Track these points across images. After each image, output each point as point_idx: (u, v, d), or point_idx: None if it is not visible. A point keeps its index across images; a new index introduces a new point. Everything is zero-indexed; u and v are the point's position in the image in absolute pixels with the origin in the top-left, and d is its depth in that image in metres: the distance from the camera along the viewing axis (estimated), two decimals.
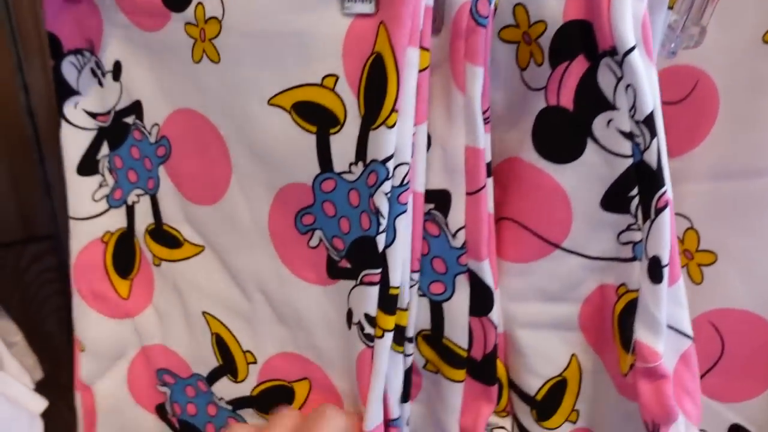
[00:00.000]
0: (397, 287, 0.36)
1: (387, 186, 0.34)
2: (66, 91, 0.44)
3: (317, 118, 0.37)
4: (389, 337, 0.37)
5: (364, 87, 0.35)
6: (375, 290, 0.36)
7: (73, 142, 0.45)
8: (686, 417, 0.37)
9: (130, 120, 0.45)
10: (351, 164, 0.36)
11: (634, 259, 0.36)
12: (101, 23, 0.43)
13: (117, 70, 0.44)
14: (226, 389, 0.45)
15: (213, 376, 0.46)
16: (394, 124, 0.34)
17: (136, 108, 0.44)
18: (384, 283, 0.36)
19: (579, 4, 0.34)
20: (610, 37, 0.33)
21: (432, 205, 0.38)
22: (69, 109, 0.45)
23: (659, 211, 0.33)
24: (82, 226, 0.47)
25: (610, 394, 0.40)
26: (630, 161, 0.35)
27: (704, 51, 0.39)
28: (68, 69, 0.44)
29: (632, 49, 0.32)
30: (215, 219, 0.43)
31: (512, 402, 0.43)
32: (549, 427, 0.42)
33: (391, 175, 0.34)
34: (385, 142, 0.34)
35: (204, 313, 0.45)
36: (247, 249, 0.42)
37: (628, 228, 0.36)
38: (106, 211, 0.47)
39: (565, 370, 0.41)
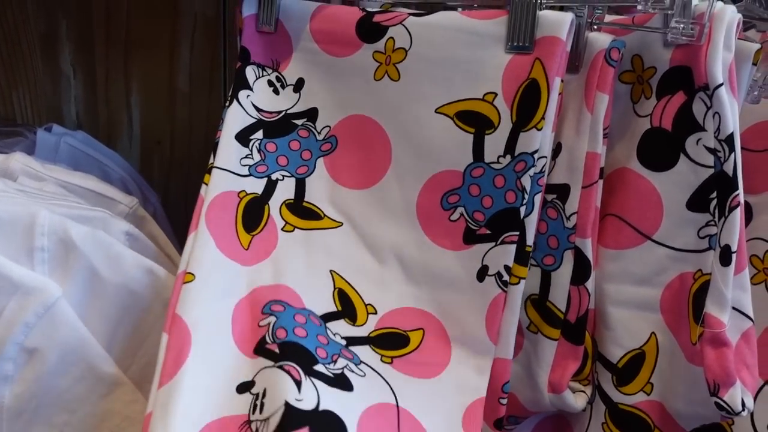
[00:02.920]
0: (531, 245, 0.48)
1: (531, 171, 0.47)
2: (243, 85, 0.55)
3: (476, 123, 0.50)
4: (523, 283, 0.48)
5: (518, 102, 0.48)
6: (513, 247, 0.47)
7: (236, 118, 0.55)
8: (743, 385, 0.45)
9: (299, 122, 0.56)
10: (499, 156, 0.49)
11: (709, 249, 0.46)
12: (291, 50, 0.57)
13: (300, 84, 0.58)
14: (341, 328, 0.50)
15: (328, 317, 0.50)
16: (542, 128, 0.46)
17: (310, 113, 0.57)
18: (521, 242, 0.48)
19: (682, 54, 0.47)
20: (705, 77, 0.45)
21: (555, 195, 0.50)
22: (242, 96, 0.55)
23: (732, 209, 0.44)
24: (224, 175, 0.52)
25: (680, 364, 0.48)
26: (711, 171, 0.46)
27: None
28: (250, 72, 0.55)
29: (720, 85, 0.44)
30: (365, 199, 0.53)
31: (595, 372, 0.53)
32: (626, 392, 0.51)
33: (535, 163, 0.47)
34: (535, 139, 0.47)
35: (331, 271, 0.52)
36: (392, 222, 0.52)
37: (707, 224, 0.47)
38: (246, 176, 0.54)
39: (644, 344, 0.50)
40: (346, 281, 0.52)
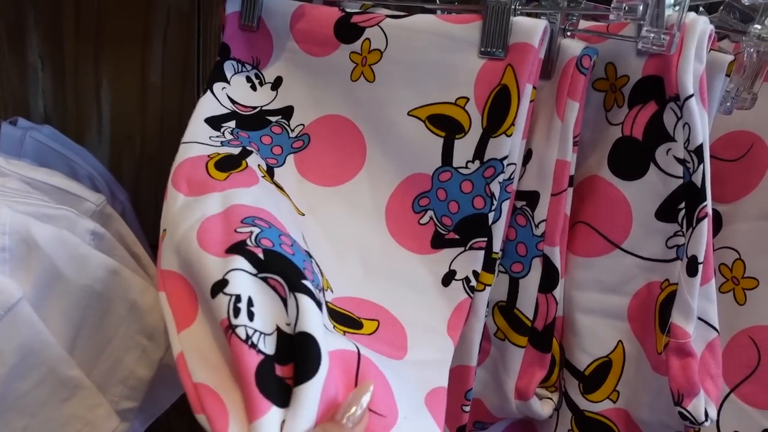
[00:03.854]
0: (498, 252, 0.48)
1: (500, 178, 0.47)
2: (219, 77, 0.55)
3: (446, 127, 0.50)
4: (488, 290, 0.48)
5: (489, 107, 0.48)
6: (482, 253, 0.48)
7: (207, 106, 0.54)
8: (707, 395, 0.46)
9: (273, 119, 0.55)
10: (468, 162, 0.49)
11: (677, 259, 0.47)
12: (272, 48, 0.57)
13: (277, 83, 0.57)
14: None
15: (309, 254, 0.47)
16: (512, 134, 0.46)
17: (285, 111, 0.57)
18: (488, 249, 0.48)
19: (654, 64, 0.47)
20: (676, 87, 0.45)
21: (524, 203, 0.50)
22: (217, 88, 0.55)
23: (700, 220, 0.44)
24: (193, 146, 0.51)
25: (646, 373, 0.49)
26: (681, 181, 0.46)
27: (760, 120, 0.50)
28: (228, 66, 0.56)
29: (691, 96, 0.44)
30: (332, 197, 0.52)
31: (562, 378, 0.53)
32: (592, 399, 0.51)
33: (504, 170, 0.46)
34: (504, 146, 0.46)
35: (303, 235, 0.48)
36: (357, 221, 0.51)
37: (675, 234, 0.47)
38: (218, 147, 0.52)
39: (611, 352, 0.50)
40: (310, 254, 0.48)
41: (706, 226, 0.44)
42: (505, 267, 0.51)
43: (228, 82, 0.56)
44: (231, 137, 0.53)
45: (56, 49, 0.83)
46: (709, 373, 0.46)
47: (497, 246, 0.48)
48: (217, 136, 0.53)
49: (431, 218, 0.50)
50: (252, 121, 0.55)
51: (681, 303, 0.45)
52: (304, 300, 0.37)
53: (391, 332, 0.46)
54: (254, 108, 0.56)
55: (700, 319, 0.46)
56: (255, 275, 0.39)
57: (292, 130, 0.55)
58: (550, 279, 0.50)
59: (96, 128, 0.86)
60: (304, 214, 0.52)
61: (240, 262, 0.39)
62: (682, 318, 0.45)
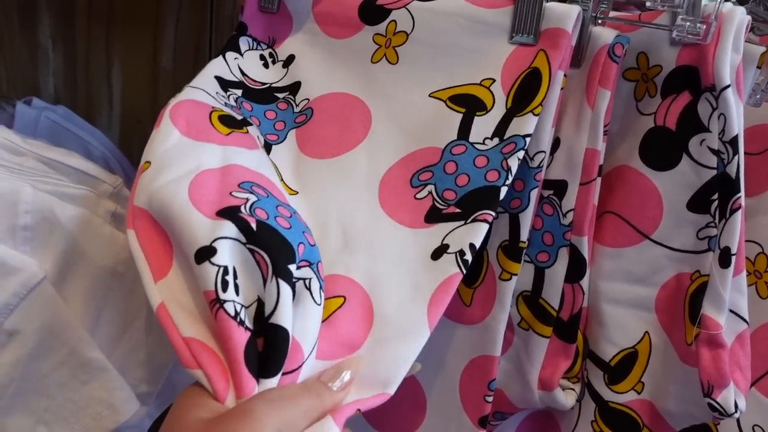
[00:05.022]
0: (525, 242, 0.47)
1: (520, 154, 0.45)
2: (233, 48, 0.55)
3: (467, 104, 0.48)
4: (515, 279, 0.47)
5: (516, 88, 0.47)
6: (486, 226, 0.43)
7: (216, 67, 0.54)
8: (737, 387, 0.45)
9: (281, 95, 0.55)
10: (486, 138, 0.47)
11: (708, 250, 0.46)
12: (290, 30, 0.56)
13: (289, 60, 0.57)
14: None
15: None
16: (539, 114, 0.46)
17: (293, 87, 0.56)
18: (515, 238, 0.48)
19: (689, 54, 0.46)
20: (712, 77, 0.44)
21: (551, 192, 0.50)
22: (230, 56, 0.55)
23: (734, 211, 0.44)
24: (197, 91, 0.50)
25: (673, 364, 0.48)
26: (714, 172, 0.46)
27: None
28: (243, 41, 0.56)
29: (727, 86, 0.44)
30: (325, 168, 0.50)
31: (585, 369, 0.53)
32: (617, 390, 0.51)
33: (525, 146, 0.45)
34: (529, 123, 0.45)
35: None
36: (347, 192, 0.48)
37: (707, 226, 0.47)
38: (223, 106, 0.51)
39: (638, 343, 0.50)
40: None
41: (739, 217, 0.44)
42: (531, 256, 0.51)
43: (241, 55, 0.56)
44: (234, 105, 0.52)
45: (68, 30, 0.81)
46: (738, 365, 0.46)
47: (524, 235, 0.48)
48: (223, 96, 0.52)
49: (430, 193, 0.47)
50: (259, 95, 0.55)
51: (713, 294, 0.45)
52: (284, 289, 0.37)
53: (351, 315, 0.43)
54: (263, 84, 0.56)
55: (730, 310, 0.46)
56: (244, 244, 0.38)
57: (297, 105, 0.55)
58: (577, 269, 0.49)
59: (106, 111, 0.85)
60: (297, 192, 0.50)
61: (230, 229, 0.38)
62: (714, 309, 0.45)
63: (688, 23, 0.45)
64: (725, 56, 0.44)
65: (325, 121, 0.52)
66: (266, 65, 0.56)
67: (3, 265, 0.44)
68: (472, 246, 0.43)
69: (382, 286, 0.43)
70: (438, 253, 0.44)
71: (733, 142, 0.44)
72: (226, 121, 0.49)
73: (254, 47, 0.57)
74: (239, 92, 0.54)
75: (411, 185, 0.48)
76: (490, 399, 0.52)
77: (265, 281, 0.37)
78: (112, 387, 0.48)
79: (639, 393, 0.51)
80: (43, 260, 0.47)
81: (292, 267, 0.38)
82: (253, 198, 0.41)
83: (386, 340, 0.41)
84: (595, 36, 0.48)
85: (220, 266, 0.37)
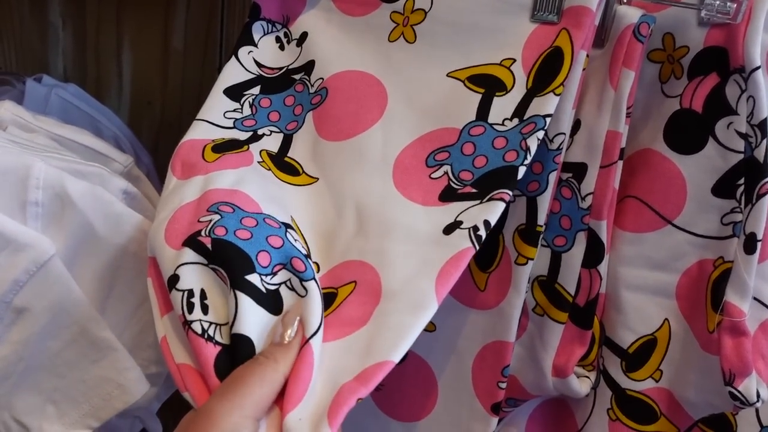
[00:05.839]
0: (542, 225, 0.46)
1: (540, 134, 0.44)
2: (246, 41, 0.54)
3: (487, 84, 0.47)
4: (531, 264, 0.47)
5: (537, 68, 0.46)
6: (502, 205, 0.43)
7: (231, 73, 0.54)
8: (759, 376, 0.44)
9: (297, 77, 0.55)
10: (505, 119, 0.46)
11: (733, 236, 0.45)
12: (304, 6, 0.55)
13: (303, 38, 0.55)
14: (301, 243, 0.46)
15: (289, 227, 0.46)
16: (560, 94, 0.44)
17: (307, 66, 0.55)
18: (532, 221, 0.47)
19: (718, 35, 0.45)
20: (742, 59, 0.43)
21: (570, 174, 0.49)
22: (242, 52, 0.54)
23: (761, 196, 0.43)
24: (202, 125, 0.51)
25: (693, 352, 0.47)
26: (741, 156, 0.44)
27: None
28: (257, 28, 0.56)
29: (757, 68, 0.43)
30: (340, 150, 0.49)
31: (601, 357, 0.52)
32: (635, 378, 0.50)
33: (545, 126, 0.44)
34: (550, 103, 0.44)
35: (291, 216, 0.48)
36: (362, 172, 0.48)
37: (732, 211, 0.45)
38: (230, 128, 0.52)
39: (657, 330, 0.49)
40: (301, 232, 0.47)
41: (766, 202, 0.43)
42: (547, 240, 0.50)
43: (255, 45, 0.55)
44: (249, 113, 0.53)
45: (78, 9, 0.80)
46: (761, 353, 0.45)
47: (542, 218, 0.47)
48: (235, 110, 0.53)
49: (446, 173, 0.46)
50: (277, 83, 0.55)
51: (736, 281, 0.44)
52: (243, 300, 0.39)
53: (363, 294, 0.43)
54: (280, 69, 0.55)
55: (754, 298, 0.45)
56: (206, 265, 0.41)
57: (312, 85, 0.54)
58: (595, 254, 0.48)
59: (116, 92, 0.84)
60: (317, 179, 0.50)
61: (189, 255, 0.41)
62: (738, 296, 0.44)
63: (717, 2, 0.44)
64: (756, 36, 0.43)
65: (340, 100, 0.52)
66: (282, 47, 0.56)
67: (12, 241, 0.44)
68: (486, 222, 0.42)
69: (391, 261, 0.43)
70: (450, 228, 0.43)
71: (762, 125, 0.43)
72: (221, 147, 0.50)
73: (269, 30, 0.56)
74: (256, 90, 0.54)
75: (426, 165, 0.47)
76: (504, 385, 0.51)
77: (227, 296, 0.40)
78: (122, 367, 0.48)
79: (657, 381, 0.50)
80: (53, 237, 0.46)
81: (252, 277, 0.40)
82: (216, 218, 0.43)
83: (392, 312, 0.41)
84: (619, 15, 0.47)
85: (184, 290, 0.40)
